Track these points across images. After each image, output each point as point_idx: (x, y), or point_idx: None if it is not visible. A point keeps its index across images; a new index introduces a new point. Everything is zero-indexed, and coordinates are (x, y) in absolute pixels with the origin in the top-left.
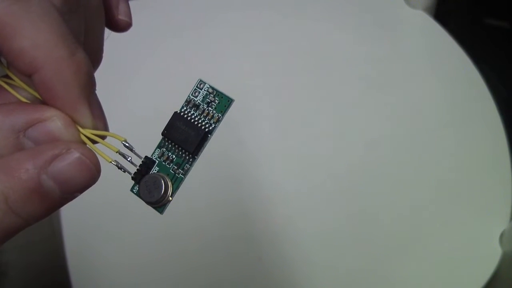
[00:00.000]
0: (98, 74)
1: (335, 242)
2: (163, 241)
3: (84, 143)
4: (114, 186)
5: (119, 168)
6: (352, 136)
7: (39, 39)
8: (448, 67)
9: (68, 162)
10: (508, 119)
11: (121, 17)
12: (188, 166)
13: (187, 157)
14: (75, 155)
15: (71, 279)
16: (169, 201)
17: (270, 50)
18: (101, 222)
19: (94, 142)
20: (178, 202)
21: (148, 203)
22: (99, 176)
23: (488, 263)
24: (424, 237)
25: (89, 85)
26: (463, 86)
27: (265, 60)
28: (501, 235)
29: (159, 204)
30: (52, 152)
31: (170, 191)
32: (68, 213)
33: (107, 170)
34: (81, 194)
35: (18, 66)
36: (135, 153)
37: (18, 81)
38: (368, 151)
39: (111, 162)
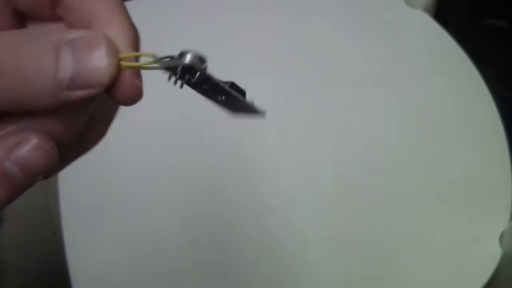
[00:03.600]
0: None
1: (335, 242)
2: (163, 241)
3: (41, 134)
4: (114, 186)
5: (168, 68)
6: (352, 136)
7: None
8: (448, 67)
9: (27, 148)
10: (508, 119)
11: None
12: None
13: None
14: (33, 141)
15: (71, 279)
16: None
17: (269, 50)
18: (101, 222)
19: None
20: (178, 202)
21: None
22: (56, 159)
23: (488, 263)
24: (424, 237)
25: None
26: (463, 86)
27: (264, 60)
28: (501, 235)
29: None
30: (13, 140)
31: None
32: (68, 213)
33: (107, 172)
34: (82, 194)
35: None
36: (169, 56)
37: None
38: (367, 151)
39: (154, 63)
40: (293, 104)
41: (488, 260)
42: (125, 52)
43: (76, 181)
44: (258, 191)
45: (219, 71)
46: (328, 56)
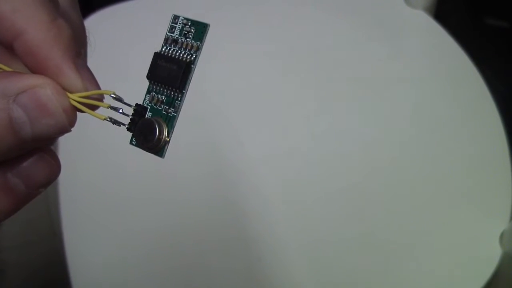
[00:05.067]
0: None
1: (335, 243)
2: (162, 241)
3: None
4: (115, 186)
5: (113, 123)
6: (351, 136)
7: (19, 4)
8: (448, 67)
9: (30, 160)
10: (508, 119)
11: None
12: (178, 102)
13: (175, 93)
14: (36, 153)
15: (71, 279)
16: (167, 142)
17: (269, 50)
18: (101, 221)
19: (88, 106)
20: (178, 202)
21: (146, 149)
22: (59, 170)
23: (488, 263)
24: (424, 237)
25: (73, 49)
26: (463, 86)
27: (264, 60)
28: (501, 235)
29: (158, 147)
30: None
31: (165, 132)
32: (68, 213)
33: (108, 170)
34: (82, 194)
35: None
36: (126, 103)
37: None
38: (367, 151)
39: (104, 119)
40: (292, 104)
41: (488, 260)
42: (78, 86)
43: (76, 180)
44: (258, 192)
45: (218, 71)
46: (327, 55)
